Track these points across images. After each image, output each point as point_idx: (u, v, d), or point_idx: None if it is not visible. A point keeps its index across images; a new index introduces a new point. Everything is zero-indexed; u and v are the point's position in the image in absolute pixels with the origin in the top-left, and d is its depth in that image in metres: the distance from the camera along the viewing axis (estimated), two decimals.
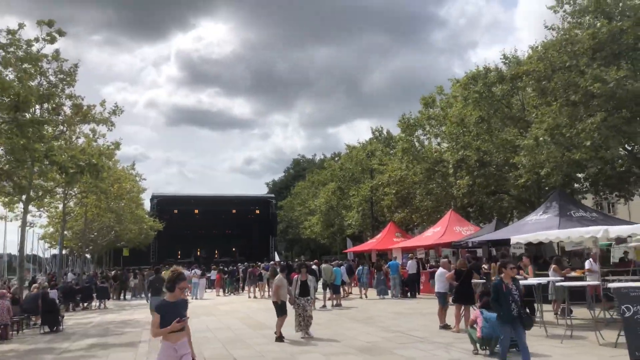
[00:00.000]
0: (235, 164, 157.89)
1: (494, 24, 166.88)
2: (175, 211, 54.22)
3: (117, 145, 19.02)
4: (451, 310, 11.62)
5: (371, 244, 31.26)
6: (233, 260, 48.23)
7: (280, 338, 10.85)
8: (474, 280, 11.83)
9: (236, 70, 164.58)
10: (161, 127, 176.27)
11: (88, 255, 53.04)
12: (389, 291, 21.66)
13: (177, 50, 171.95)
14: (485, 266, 16.40)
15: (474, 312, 9.49)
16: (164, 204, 52.93)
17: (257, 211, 59.37)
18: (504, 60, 25.78)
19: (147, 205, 51.31)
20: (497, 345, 8.08)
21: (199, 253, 58.84)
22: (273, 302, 11.18)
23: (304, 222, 53.29)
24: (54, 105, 17.80)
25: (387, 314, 15.61)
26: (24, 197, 18.35)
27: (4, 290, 13.59)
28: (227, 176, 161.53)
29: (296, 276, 11.61)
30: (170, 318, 4.98)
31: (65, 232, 39.17)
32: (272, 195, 65.64)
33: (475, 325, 8.81)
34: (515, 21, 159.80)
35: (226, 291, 28.20)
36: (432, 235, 24.56)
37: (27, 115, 11.88)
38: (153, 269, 22.12)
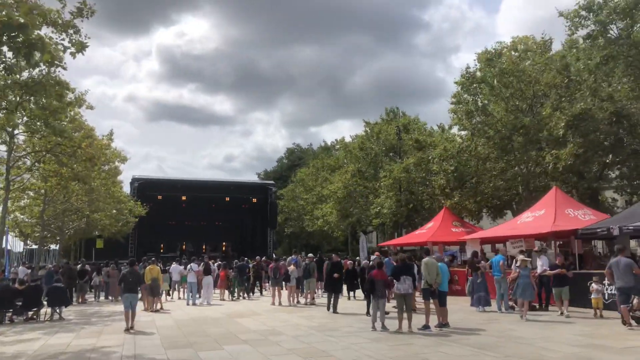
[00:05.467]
0: (215, 161, 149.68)
1: (477, 28, 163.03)
2: (159, 197, 46.03)
3: (79, 45, 10.59)
4: None
5: (421, 235, 23.94)
6: (224, 256, 40.55)
7: None
8: None
9: (218, 66, 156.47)
10: (141, 122, 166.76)
11: (54, 247, 44.68)
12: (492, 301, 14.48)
13: (159, 45, 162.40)
14: None
15: None
16: (146, 188, 44.63)
17: (254, 200, 51.38)
18: None
19: (126, 189, 43.26)
20: None
21: (184, 247, 50.98)
22: None
23: (312, 211, 45.79)
24: None
25: (558, 345, 8.35)
26: None
27: None
28: (207, 173, 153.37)
29: None
30: None
31: (22, 216, 31.27)
32: (272, 182, 57.49)
33: None
34: (498, 26, 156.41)
35: (234, 293, 20.73)
36: (533, 221, 17.40)
37: None
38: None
